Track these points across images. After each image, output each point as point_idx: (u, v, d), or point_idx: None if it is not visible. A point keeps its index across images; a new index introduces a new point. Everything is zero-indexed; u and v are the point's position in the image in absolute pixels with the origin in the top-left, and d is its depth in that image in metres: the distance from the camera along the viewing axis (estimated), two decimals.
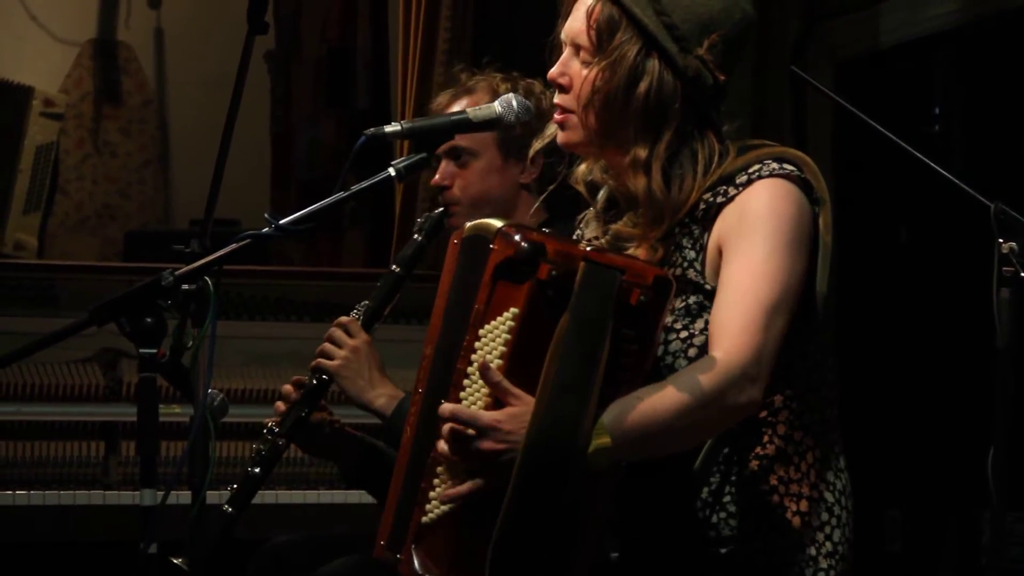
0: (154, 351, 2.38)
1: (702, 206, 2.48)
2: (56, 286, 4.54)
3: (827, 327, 2.55)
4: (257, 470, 3.02)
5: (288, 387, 3.11)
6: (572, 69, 2.55)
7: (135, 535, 2.38)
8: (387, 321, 3.25)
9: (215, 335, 2.43)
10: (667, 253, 2.50)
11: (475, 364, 2.35)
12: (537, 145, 2.76)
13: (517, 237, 2.34)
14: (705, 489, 2.47)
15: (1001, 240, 2.93)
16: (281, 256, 6.24)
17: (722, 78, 2.50)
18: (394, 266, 3.15)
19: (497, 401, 2.34)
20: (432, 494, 2.38)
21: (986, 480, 2.93)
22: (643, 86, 2.47)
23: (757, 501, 2.48)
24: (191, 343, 2.46)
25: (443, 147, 3.23)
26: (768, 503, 2.48)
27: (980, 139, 5.12)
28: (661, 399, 2.32)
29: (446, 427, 2.34)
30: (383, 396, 3.10)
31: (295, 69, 6.71)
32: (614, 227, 2.57)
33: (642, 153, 2.48)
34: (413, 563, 2.37)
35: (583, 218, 2.69)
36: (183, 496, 2.50)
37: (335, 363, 3.10)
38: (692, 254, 2.49)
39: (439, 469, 2.38)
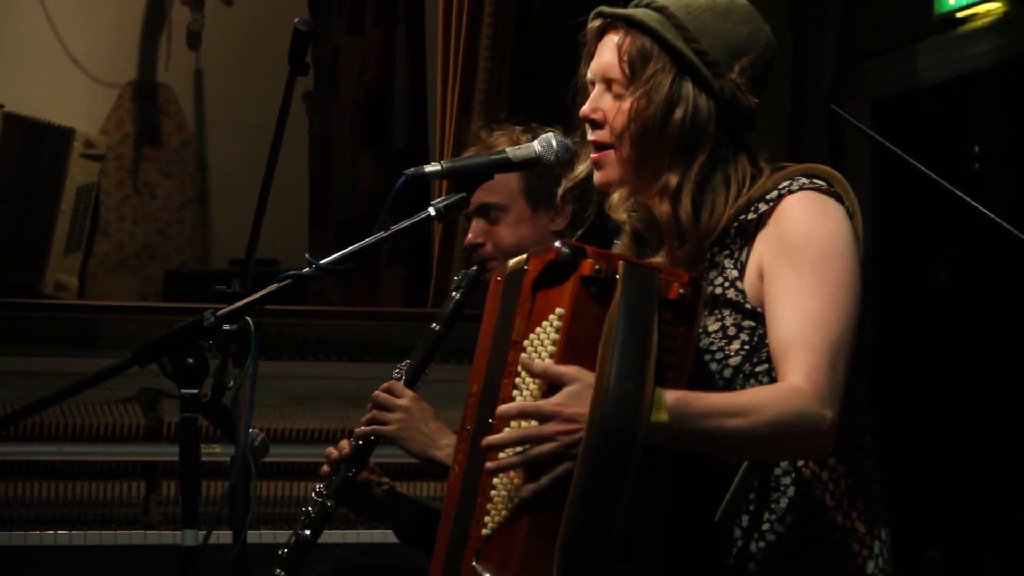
0: (196, 391, 2.39)
1: (735, 225, 2.48)
2: (97, 326, 4.57)
3: (861, 348, 2.50)
4: (307, 532, 3.02)
5: (332, 449, 3.10)
6: (604, 104, 2.55)
7: (176, 575, 2.39)
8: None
9: (256, 375, 2.44)
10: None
11: (523, 373, 2.33)
12: (566, 185, 2.75)
13: (556, 244, 2.34)
14: (742, 516, 2.46)
15: None
16: (319, 296, 6.25)
17: (754, 101, 2.52)
18: (434, 324, 3.15)
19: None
20: (489, 506, 2.33)
21: None
22: (679, 112, 2.48)
23: (793, 526, 2.45)
24: (232, 383, 2.47)
25: (472, 206, 3.21)
26: (802, 529, 2.46)
27: (1020, 177, 5.10)
28: (735, 399, 2.32)
29: (505, 434, 2.30)
30: (448, 447, 3.07)
31: (333, 110, 6.73)
32: (651, 260, 2.57)
33: (673, 180, 2.49)
34: (479, 573, 2.30)
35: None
36: (223, 536, 2.50)
37: (392, 427, 3.09)
38: (735, 273, 2.48)
39: (495, 481, 2.33)
